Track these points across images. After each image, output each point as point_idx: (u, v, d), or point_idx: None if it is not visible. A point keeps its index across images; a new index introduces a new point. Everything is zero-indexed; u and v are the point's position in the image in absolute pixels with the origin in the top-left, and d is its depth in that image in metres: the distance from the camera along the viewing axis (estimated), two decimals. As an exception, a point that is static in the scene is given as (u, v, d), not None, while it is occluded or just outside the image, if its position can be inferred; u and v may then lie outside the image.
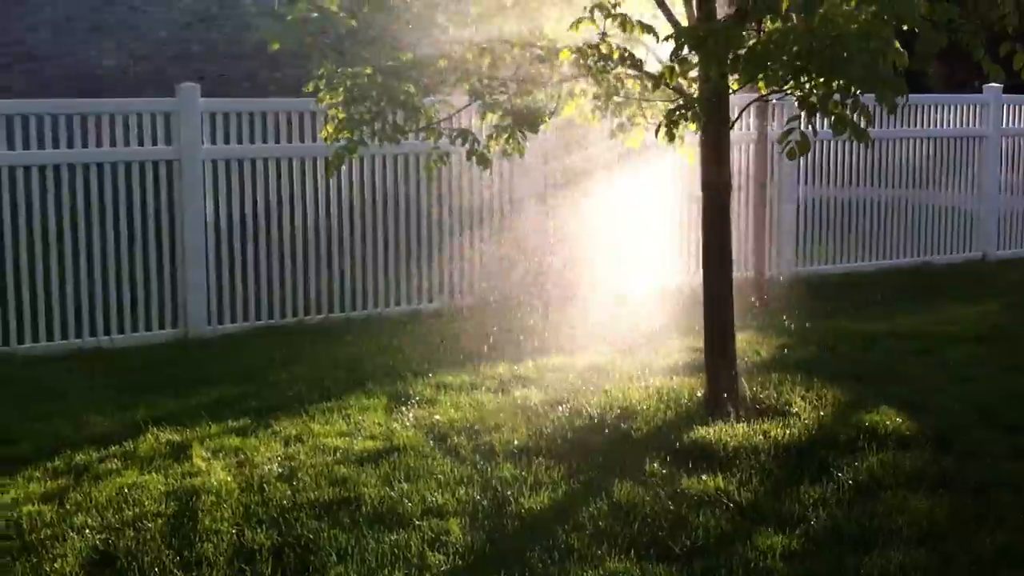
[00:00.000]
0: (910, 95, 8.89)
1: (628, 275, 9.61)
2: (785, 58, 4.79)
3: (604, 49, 5.76)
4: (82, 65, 12.31)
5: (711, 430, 5.25)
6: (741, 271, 9.82)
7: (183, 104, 8.18)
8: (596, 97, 6.30)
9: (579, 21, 5.52)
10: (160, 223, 8.14)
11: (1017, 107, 11.46)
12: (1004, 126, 11.32)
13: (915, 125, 10.93)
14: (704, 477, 4.77)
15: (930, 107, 11.06)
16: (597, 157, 9.50)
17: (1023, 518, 4.40)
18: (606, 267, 9.49)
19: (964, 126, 11.19)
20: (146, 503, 4.69)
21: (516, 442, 5.26)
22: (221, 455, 5.28)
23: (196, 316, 8.16)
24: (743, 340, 6.97)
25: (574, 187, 9.41)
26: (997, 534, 4.24)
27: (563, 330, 7.70)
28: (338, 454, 5.20)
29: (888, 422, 5.32)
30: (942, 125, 11.11)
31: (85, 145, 7.99)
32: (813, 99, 5.10)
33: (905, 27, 5.06)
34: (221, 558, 4.17)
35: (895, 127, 10.78)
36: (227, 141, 8.33)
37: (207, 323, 8.19)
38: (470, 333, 7.69)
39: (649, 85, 6.05)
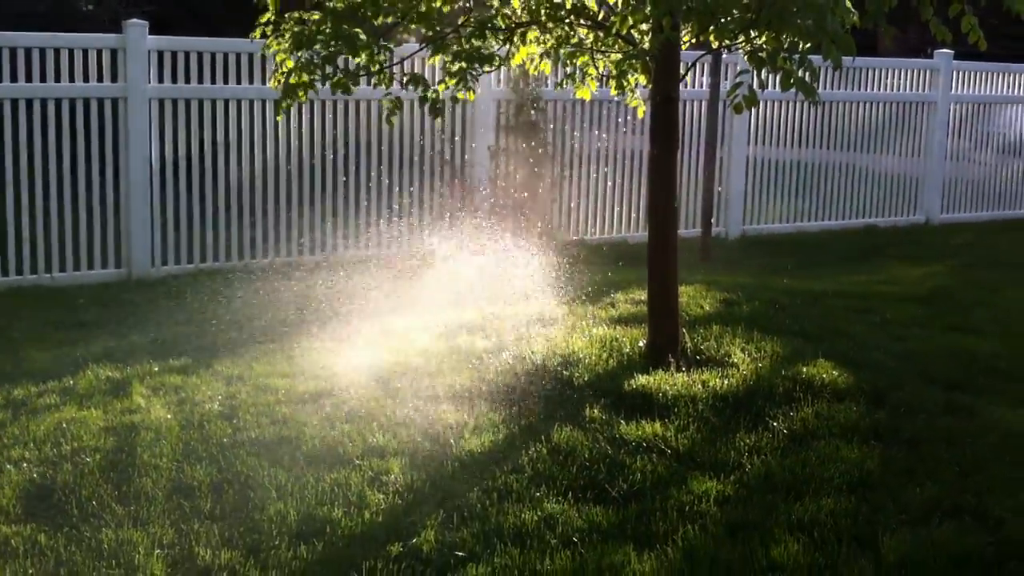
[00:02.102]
0: (861, 58, 8.95)
1: (578, 227, 9.65)
2: (736, 11, 4.80)
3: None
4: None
5: (651, 379, 5.30)
6: (689, 228, 9.92)
7: (130, 41, 8.04)
8: (547, 44, 6.28)
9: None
10: (104, 162, 8.02)
11: (968, 74, 11.58)
12: (953, 92, 11.44)
13: (865, 88, 11.02)
14: (642, 423, 4.82)
15: (881, 71, 11.15)
16: (551, 110, 9.50)
17: (954, 471, 4.50)
18: (557, 218, 9.52)
19: (914, 91, 11.30)
20: (84, 438, 4.65)
21: (458, 386, 5.28)
22: (161, 393, 5.25)
23: (140, 256, 8.07)
24: (687, 294, 7.04)
25: (525, 137, 9.40)
26: (927, 486, 4.33)
27: (510, 280, 7.70)
28: (280, 394, 5.19)
29: (825, 375, 5.40)
30: (892, 89, 11.21)
31: (29, 79, 7.82)
32: (763, 54, 5.12)
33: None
34: (160, 493, 4.16)
35: (845, 89, 10.87)
36: (175, 80, 8.20)
37: (151, 264, 8.11)
38: (415, 279, 7.68)
39: (601, 35, 6.05)
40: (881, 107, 11.15)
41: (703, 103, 10.03)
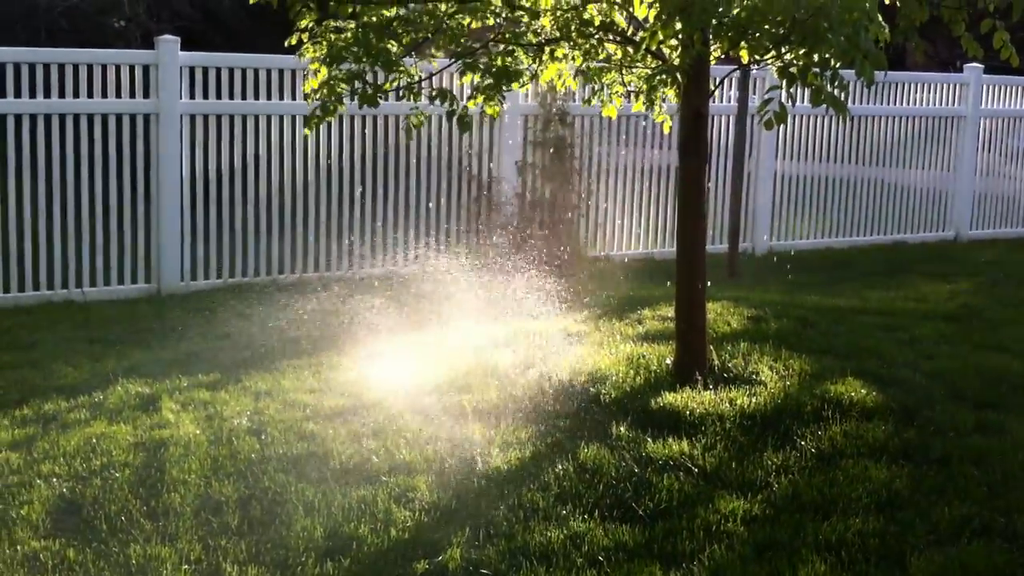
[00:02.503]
0: (891, 72, 8.89)
1: (605, 242, 9.65)
2: (768, 27, 4.79)
3: (586, 15, 5.78)
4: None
5: (679, 396, 5.29)
6: (716, 244, 9.90)
7: (162, 57, 8.12)
8: (576, 60, 6.30)
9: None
10: (136, 178, 8.10)
11: (998, 88, 11.50)
12: (983, 107, 11.37)
13: (895, 103, 10.97)
14: (669, 442, 4.81)
15: (910, 85, 11.09)
16: (578, 125, 9.52)
17: (983, 490, 4.46)
18: (584, 234, 9.52)
19: (943, 105, 11.23)
20: (114, 453, 4.69)
21: (486, 403, 5.29)
22: (190, 408, 5.29)
23: (169, 272, 8.14)
24: (714, 310, 7.02)
25: (552, 152, 9.41)
26: (956, 505, 4.29)
27: (540, 295, 7.71)
28: (308, 410, 5.22)
29: (853, 394, 5.37)
30: (922, 104, 11.15)
31: (62, 95, 7.91)
32: (793, 69, 5.11)
33: (888, 1, 5.08)
34: (188, 508, 4.19)
35: (874, 104, 10.82)
36: (206, 96, 8.28)
37: (180, 279, 8.17)
38: (444, 295, 7.70)
39: (630, 50, 6.06)
40: (910, 122, 11.09)
41: (731, 118, 10.02)
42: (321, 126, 8.43)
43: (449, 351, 6.24)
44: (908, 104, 11.05)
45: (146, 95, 8.12)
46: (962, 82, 11.30)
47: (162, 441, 4.84)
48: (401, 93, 6.03)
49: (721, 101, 10.05)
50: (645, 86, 6.06)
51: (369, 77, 5.93)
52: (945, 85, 11.32)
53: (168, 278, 8.13)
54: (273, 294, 7.87)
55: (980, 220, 11.56)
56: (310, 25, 5.76)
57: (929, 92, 11.23)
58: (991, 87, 11.45)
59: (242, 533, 4.00)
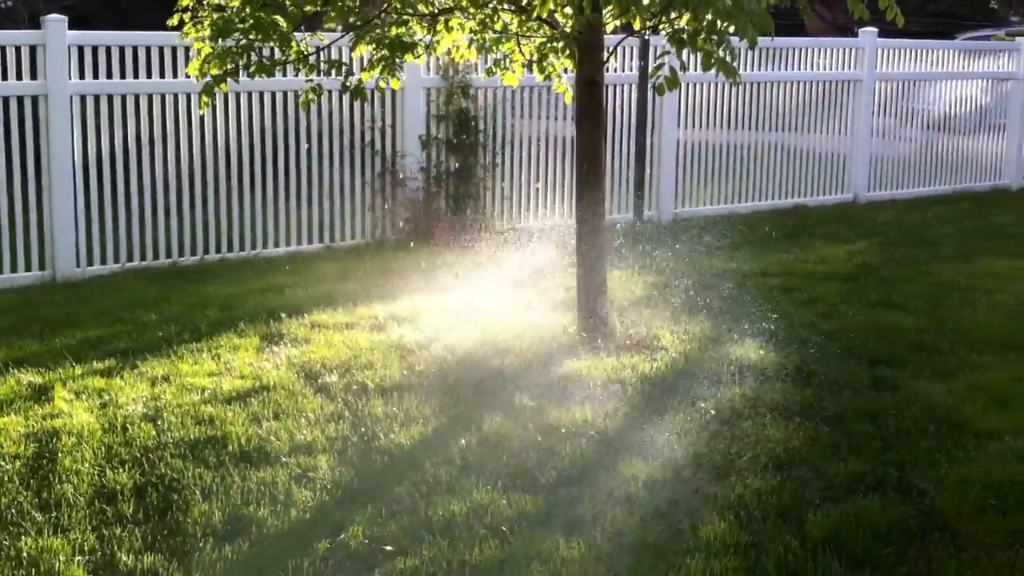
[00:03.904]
0: (788, 38, 8.89)
1: (512, 214, 9.64)
2: (654, -7, 4.81)
3: (477, -17, 5.74)
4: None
5: (581, 364, 5.31)
6: (622, 212, 9.96)
7: (49, 36, 7.86)
8: (472, 31, 6.26)
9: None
10: (26, 161, 7.85)
11: (892, 52, 11.72)
12: (879, 71, 11.58)
13: (792, 68, 11.11)
14: (572, 409, 4.83)
15: (807, 51, 11.23)
16: (481, 98, 9.47)
17: (877, 446, 4.57)
18: (491, 206, 9.50)
19: (839, 70, 11.41)
20: (4, 445, 4.56)
21: (388, 379, 5.25)
22: (84, 396, 5.16)
23: (64, 258, 7.91)
24: (617, 278, 7.07)
25: (456, 126, 9.36)
26: (851, 461, 4.39)
27: (443, 269, 7.69)
28: (206, 394, 5.12)
29: (752, 355, 5.45)
30: (819, 69, 11.31)
31: (-59, 78, 7.63)
32: (683, 35, 5.15)
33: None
34: (81, 498, 4.09)
35: (772, 70, 10.95)
36: (96, 76, 8.04)
37: (76, 265, 7.95)
38: (348, 274, 7.64)
39: (525, 19, 6.04)
40: (808, 87, 11.24)
41: (633, 87, 10.06)
42: (218, 104, 8.35)
43: (352, 329, 6.19)
44: (805, 69, 11.20)
45: (33, 76, 7.86)
46: (857, 46, 11.48)
47: (55, 431, 4.71)
48: (295, 67, 5.93)
49: (623, 70, 10.08)
50: (537, 55, 6.06)
51: (259, 51, 5.81)
52: (841, 50, 11.50)
53: (63, 264, 7.91)
54: (172, 278, 7.72)
55: (877, 182, 11.79)
56: (191, 4, 5.62)
57: (825, 57, 11.39)
58: (886, 51, 11.66)
59: (138, 521, 3.92)
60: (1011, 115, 12.64)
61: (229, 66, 5.72)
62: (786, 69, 11.05)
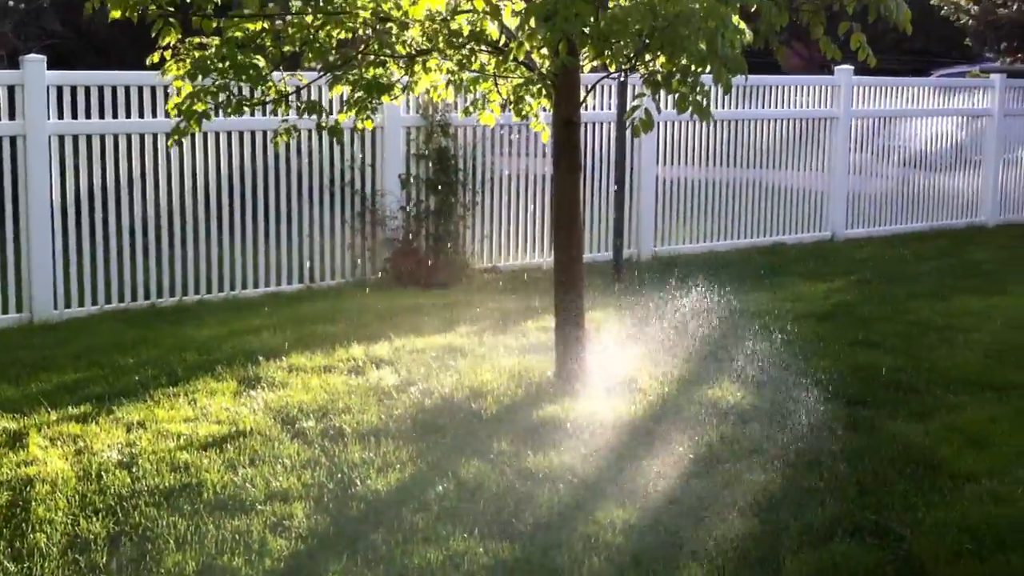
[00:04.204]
0: (765, 76, 8.91)
1: (492, 253, 9.65)
2: (628, 37, 4.84)
3: (454, 25, 5.77)
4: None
5: (559, 407, 5.31)
6: (601, 251, 9.97)
7: (28, 76, 7.86)
8: (450, 72, 6.29)
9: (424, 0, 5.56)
10: (3, 203, 7.82)
11: (868, 89, 11.83)
12: (855, 108, 11.68)
13: (769, 106, 11.20)
14: (550, 454, 4.82)
15: (784, 88, 11.33)
16: (461, 136, 9.50)
17: (855, 489, 4.57)
18: (470, 245, 9.51)
19: (816, 107, 11.51)
20: (-24, 494, 4.51)
21: (366, 424, 5.23)
22: (59, 443, 5.11)
23: (42, 300, 7.87)
24: (596, 319, 7.07)
25: (436, 164, 9.38)
26: (829, 505, 4.39)
27: (423, 310, 7.69)
28: (182, 440, 5.09)
29: (730, 397, 5.46)
30: (795, 106, 11.41)
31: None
32: (658, 77, 5.18)
33: (753, 8, 5.16)
34: (54, 548, 4.04)
35: (749, 107, 11.03)
36: (75, 116, 8.03)
37: (53, 307, 7.91)
38: (327, 315, 7.62)
39: (502, 59, 6.07)
40: (785, 124, 11.33)
41: (611, 124, 10.11)
42: (197, 143, 8.35)
43: (330, 372, 6.16)
44: (782, 107, 11.29)
45: (11, 116, 7.85)
46: (833, 84, 11.59)
47: (28, 479, 4.66)
48: (270, 107, 5.95)
49: (602, 108, 10.14)
50: (513, 97, 6.09)
51: (236, 91, 5.83)
52: (817, 87, 11.61)
53: (40, 306, 7.86)
54: (150, 320, 7.68)
55: (855, 219, 11.86)
56: (173, 43, 5.63)
57: (802, 94, 11.50)
58: (862, 88, 11.77)
59: (110, 572, 3.88)
60: (986, 151, 12.76)
61: (207, 105, 5.73)
62: (763, 107, 11.15)
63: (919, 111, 12.26)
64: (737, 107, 10.93)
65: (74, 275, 7.96)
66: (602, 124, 10.16)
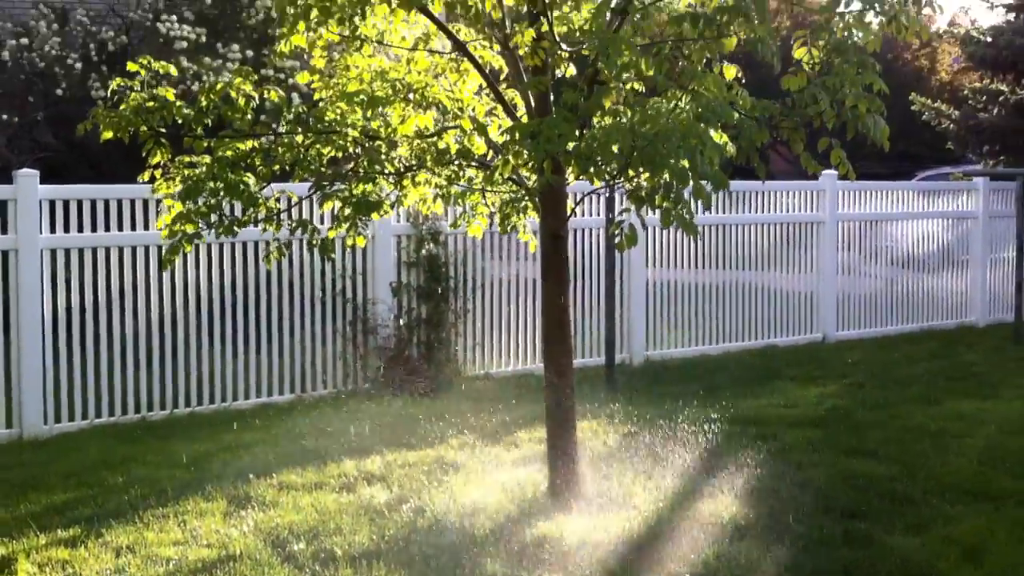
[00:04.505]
0: (752, 182, 9.02)
1: (484, 360, 9.64)
2: (610, 157, 4.93)
3: (441, 145, 5.87)
4: None
5: (553, 525, 5.25)
6: (593, 357, 9.97)
7: (21, 191, 7.93)
8: (438, 186, 6.37)
9: (412, 118, 5.68)
10: (-6, 316, 7.83)
11: (853, 193, 11.99)
12: (840, 211, 11.82)
13: (755, 211, 11.33)
14: (544, 575, 4.75)
15: (770, 193, 11.48)
16: (452, 243, 9.57)
17: (853, 605, 4.51)
18: (462, 353, 9.50)
19: (802, 211, 11.65)
20: (-40, 625, 4.43)
21: (357, 546, 5.16)
22: (48, 569, 5.03)
23: (32, 415, 7.81)
24: (589, 428, 7.05)
25: (427, 272, 9.43)
26: (827, 623, 4.33)
27: (415, 421, 7.65)
28: (171, 565, 5.01)
29: (725, 513, 5.41)
30: (782, 210, 11.55)
31: (-88, 237, 7.65)
32: (641, 192, 5.25)
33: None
34: None
35: (735, 213, 11.16)
36: (67, 229, 8.08)
37: (43, 422, 7.85)
38: (319, 427, 7.58)
39: (488, 173, 6.16)
40: (773, 228, 11.46)
41: (600, 230, 10.19)
42: (188, 255, 8.38)
43: (321, 489, 6.11)
44: (769, 211, 11.43)
45: (4, 230, 7.90)
46: (818, 188, 11.75)
47: (14, 608, 4.59)
48: (261, 226, 6.00)
49: (590, 214, 10.24)
50: (499, 214, 6.15)
51: (227, 208, 5.89)
52: (803, 192, 11.76)
53: (30, 422, 7.80)
54: (140, 434, 7.63)
55: (846, 321, 11.91)
56: (163, 162, 5.70)
57: (789, 198, 11.65)
58: (846, 192, 11.93)
59: None
60: (973, 253, 12.88)
61: (198, 225, 5.78)
62: (750, 211, 11.28)
63: (905, 214, 12.42)
64: (725, 212, 11.05)
65: (64, 389, 7.93)
66: (590, 230, 10.25)
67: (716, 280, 11.02)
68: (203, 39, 11.46)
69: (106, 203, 8.19)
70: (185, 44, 11.28)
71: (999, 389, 8.96)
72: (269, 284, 8.76)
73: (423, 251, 9.48)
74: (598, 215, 10.23)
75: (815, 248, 11.68)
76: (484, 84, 6.01)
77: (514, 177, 6.04)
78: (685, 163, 4.77)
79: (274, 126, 6.20)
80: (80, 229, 8.11)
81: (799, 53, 5.46)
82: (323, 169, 6.00)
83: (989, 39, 15.46)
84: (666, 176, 4.91)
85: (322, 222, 7.84)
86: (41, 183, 8.00)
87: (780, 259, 11.47)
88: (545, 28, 5.40)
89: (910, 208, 12.46)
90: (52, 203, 8.04)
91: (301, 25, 5.36)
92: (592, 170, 5.25)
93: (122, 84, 5.53)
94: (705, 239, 10.89)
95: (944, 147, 17.26)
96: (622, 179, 5.31)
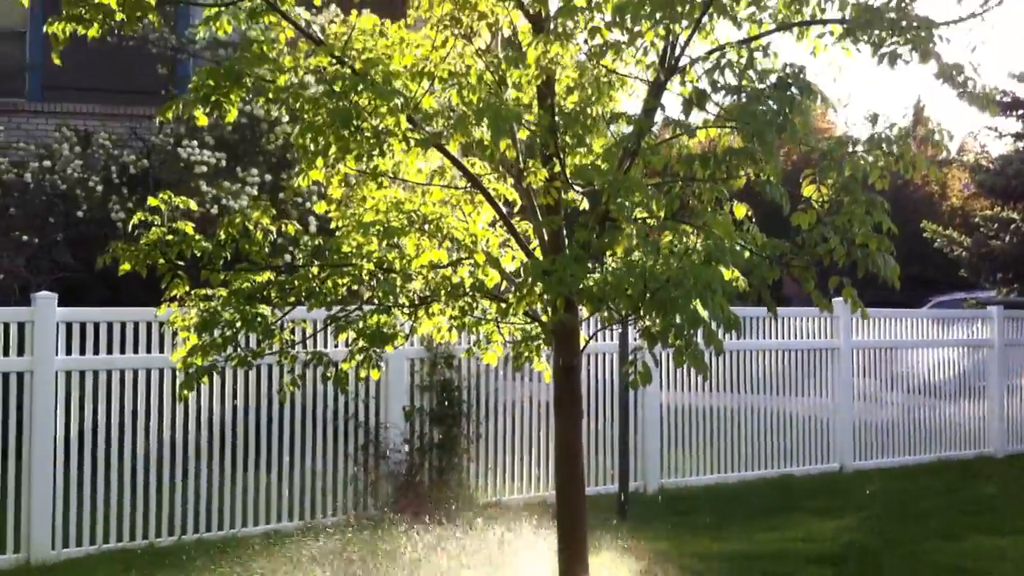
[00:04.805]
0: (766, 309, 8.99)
1: (497, 486, 9.54)
2: (623, 299, 4.95)
3: (455, 279, 5.92)
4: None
5: (562, 670, 5.11)
6: (607, 484, 9.85)
7: (39, 314, 8.00)
8: (452, 317, 6.40)
9: (426, 253, 5.74)
10: (7, 438, 7.81)
11: (868, 320, 11.97)
12: (855, 339, 11.79)
13: (773, 337, 11.31)
14: None
15: (786, 319, 11.47)
16: (465, 367, 9.56)
17: None
18: (475, 479, 9.41)
19: (817, 338, 11.63)
20: None
21: None
22: None
23: (40, 540, 7.74)
24: (602, 564, 6.91)
25: (440, 395, 9.40)
26: None
27: (425, 550, 7.53)
28: None
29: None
30: (797, 336, 11.52)
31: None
32: (654, 331, 5.26)
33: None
34: None
35: (752, 338, 11.14)
36: (82, 351, 8.13)
37: (51, 547, 7.77)
38: (325, 557, 7.46)
39: (503, 306, 6.19)
40: (789, 354, 11.42)
41: (614, 355, 10.17)
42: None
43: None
44: (784, 338, 11.41)
45: (20, 352, 7.95)
46: (833, 316, 11.74)
47: None
48: (278, 358, 6.01)
49: (604, 339, 10.23)
50: (513, 351, 6.14)
51: (242, 340, 5.92)
52: (818, 318, 11.75)
53: (38, 546, 7.72)
54: (146, 562, 7.54)
55: (863, 450, 11.75)
56: (179, 295, 5.76)
57: (804, 324, 11.63)
58: (861, 319, 11.90)
59: None
60: (990, 381, 12.79)
61: (214, 357, 5.80)
62: (765, 337, 11.26)
63: (919, 342, 12.38)
64: (740, 338, 11.01)
65: (73, 513, 7.87)
66: (604, 355, 10.24)
67: (732, 404, 10.95)
68: (223, 163, 11.67)
69: (122, 325, 8.26)
70: (205, 168, 11.49)
71: (1018, 522, 8.79)
72: (280, 407, 8.75)
73: (436, 375, 9.47)
74: (611, 340, 10.23)
75: (830, 375, 11.62)
76: (498, 216, 6.08)
77: (528, 311, 6.07)
78: (697, 306, 4.79)
79: (291, 249, 6.31)
80: (96, 351, 8.16)
81: (808, 191, 5.52)
82: (337, 301, 6.05)
83: (998, 168, 15.62)
84: (677, 318, 4.93)
85: (336, 346, 7.87)
86: (59, 304, 8.09)
87: (796, 385, 11.40)
88: (557, 169, 5.49)
89: (925, 336, 12.42)
90: (69, 325, 8.11)
91: (319, 161, 5.47)
92: (605, 311, 5.28)
93: (143, 219, 5.62)
94: (720, 364, 10.86)
95: (958, 272, 17.30)
96: (634, 318, 5.33)
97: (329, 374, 5.99)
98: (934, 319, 12.72)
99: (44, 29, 5.45)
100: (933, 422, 12.31)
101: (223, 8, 5.45)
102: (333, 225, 6.34)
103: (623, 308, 5.07)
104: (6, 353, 7.90)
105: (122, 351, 8.25)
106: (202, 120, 5.49)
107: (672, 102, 5.46)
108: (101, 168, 11.92)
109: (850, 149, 5.37)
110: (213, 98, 5.24)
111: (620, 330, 9.30)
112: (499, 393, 9.78)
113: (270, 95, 5.36)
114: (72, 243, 11.52)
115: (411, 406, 9.32)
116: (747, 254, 5.24)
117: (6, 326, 7.92)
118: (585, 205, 6.09)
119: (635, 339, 5.35)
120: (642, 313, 5.23)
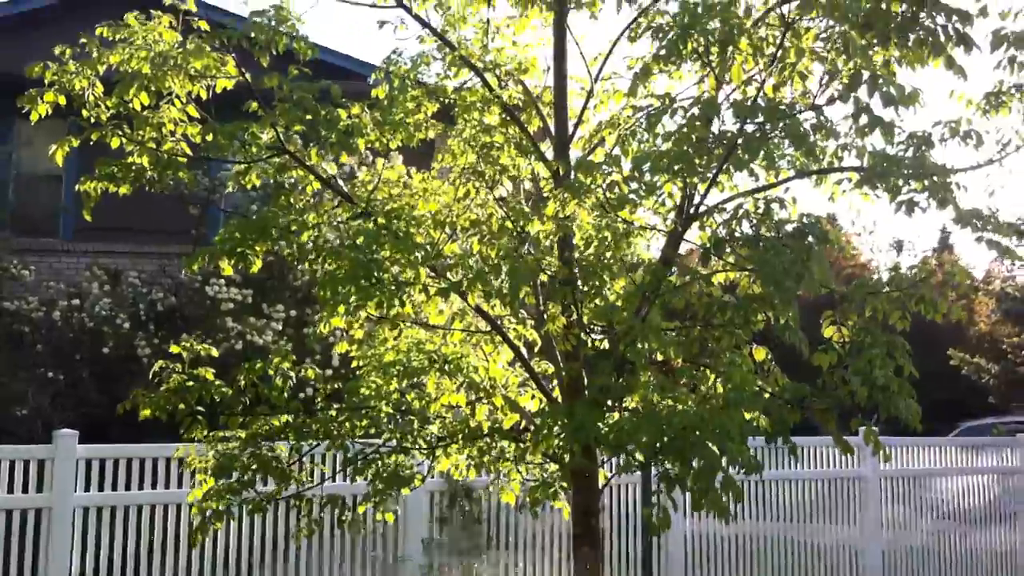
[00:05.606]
0: (796, 439, 8.98)
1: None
2: (640, 446, 4.91)
3: (472, 423, 5.90)
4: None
5: None
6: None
7: (59, 451, 8.00)
8: (471, 456, 6.36)
9: (444, 396, 5.72)
10: (22, 573, 7.72)
11: (895, 449, 11.78)
12: (883, 467, 11.59)
13: (797, 466, 11.14)
14: None
15: (811, 448, 11.31)
16: (484, 502, 9.44)
17: None
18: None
19: (844, 467, 11.44)
20: None
21: None
22: None
23: None
24: None
25: (461, 528, 9.28)
26: None
27: None
28: None
29: None
30: (823, 465, 11.34)
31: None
32: (672, 476, 5.20)
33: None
34: None
35: (778, 469, 10.98)
36: (101, 487, 8.10)
37: None
38: None
39: (521, 446, 6.15)
40: (818, 483, 11.23)
41: (636, 486, 10.02)
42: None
43: None
44: (810, 467, 11.24)
45: (39, 488, 7.91)
46: (859, 445, 11.53)
47: None
48: (293, 504, 5.97)
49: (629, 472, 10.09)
50: (530, 496, 6.05)
51: (259, 485, 5.89)
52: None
53: None
54: None
55: (894, 578, 11.47)
56: (199, 438, 5.76)
57: (832, 452, 11.42)
58: (889, 448, 11.67)
59: None
60: (1020, 511, 12.50)
61: (230, 500, 5.77)
62: (790, 467, 11.09)
63: (947, 470, 12.15)
64: (765, 469, 10.86)
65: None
66: (627, 486, 10.09)
67: (759, 531, 10.72)
68: (249, 300, 11.80)
69: (141, 461, 8.24)
70: (232, 305, 11.61)
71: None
72: (298, 541, 8.63)
73: (456, 506, 9.36)
74: (634, 471, 10.08)
75: (858, 504, 11.39)
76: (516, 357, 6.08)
77: (546, 452, 6.02)
78: (715, 451, 4.74)
79: (312, 382, 6.31)
80: (115, 487, 8.13)
81: (828, 331, 5.50)
82: (355, 441, 6.03)
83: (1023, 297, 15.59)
84: (695, 464, 4.87)
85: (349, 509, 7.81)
86: (81, 439, 8.09)
87: (823, 514, 11.17)
88: (575, 316, 5.51)
89: (953, 464, 12.21)
90: (88, 461, 8.09)
91: (341, 308, 5.51)
92: (623, 454, 5.23)
93: (164, 366, 5.68)
94: (747, 492, 10.66)
95: (986, 400, 17.09)
96: (653, 462, 5.27)
97: (345, 518, 5.93)
98: (963, 446, 12.51)
99: (76, 187, 5.60)
100: (963, 550, 12.00)
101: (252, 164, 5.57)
102: (354, 364, 6.36)
103: (641, 454, 5.02)
104: (25, 489, 7.87)
105: (140, 487, 8.21)
106: (227, 271, 5.57)
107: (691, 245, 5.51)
108: (129, 305, 12.06)
109: (870, 292, 5.36)
110: (239, 250, 5.32)
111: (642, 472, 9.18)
112: (520, 524, 9.63)
113: (295, 246, 5.45)
114: (98, 378, 11.57)
115: (430, 539, 9.19)
116: (767, 395, 5.21)
117: (26, 463, 7.91)
118: (606, 345, 6.08)
119: (654, 493, 5.26)
120: (660, 458, 5.18)
